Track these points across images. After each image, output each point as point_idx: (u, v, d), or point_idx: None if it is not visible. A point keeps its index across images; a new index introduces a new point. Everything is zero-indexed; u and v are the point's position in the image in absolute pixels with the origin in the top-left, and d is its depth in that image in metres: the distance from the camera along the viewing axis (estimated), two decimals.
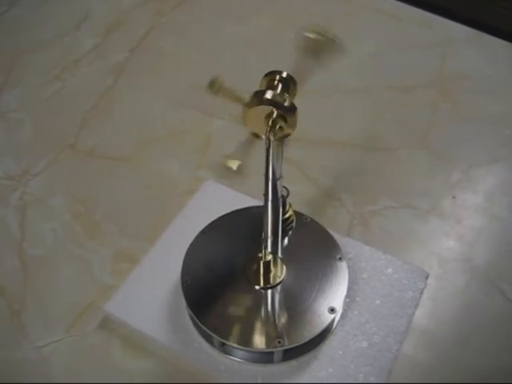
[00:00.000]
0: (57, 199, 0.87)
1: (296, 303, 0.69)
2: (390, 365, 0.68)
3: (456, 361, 0.71)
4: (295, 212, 0.76)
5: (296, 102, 0.56)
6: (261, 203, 0.65)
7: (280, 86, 0.58)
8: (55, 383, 0.70)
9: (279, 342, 0.66)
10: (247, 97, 0.56)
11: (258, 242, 0.69)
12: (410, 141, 0.94)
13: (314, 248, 0.74)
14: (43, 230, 0.84)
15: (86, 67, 1.08)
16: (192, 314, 0.69)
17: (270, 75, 0.59)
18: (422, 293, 0.74)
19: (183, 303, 0.71)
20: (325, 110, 0.98)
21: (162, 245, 0.79)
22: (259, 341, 0.67)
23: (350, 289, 0.71)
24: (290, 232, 0.76)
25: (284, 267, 0.72)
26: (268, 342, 0.66)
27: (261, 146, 0.59)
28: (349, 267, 0.72)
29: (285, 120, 0.57)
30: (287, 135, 0.59)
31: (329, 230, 0.76)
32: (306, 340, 0.67)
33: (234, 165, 0.56)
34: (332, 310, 0.68)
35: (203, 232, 0.76)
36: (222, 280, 0.72)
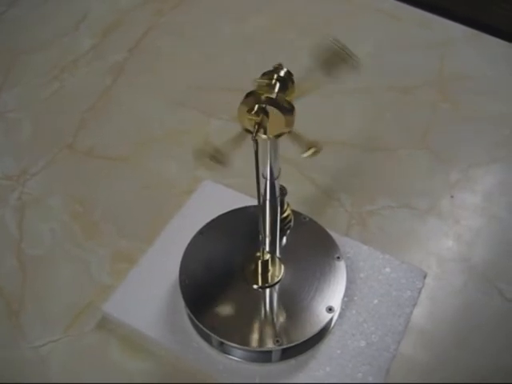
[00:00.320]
0: (55, 199, 0.87)
1: (294, 302, 0.69)
2: (387, 364, 0.68)
3: (454, 360, 0.71)
4: (293, 211, 0.76)
5: (295, 101, 0.56)
6: None
7: (278, 85, 0.58)
8: (53, 383, 0.70)
9: (277, 341, 0.66)
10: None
11: (256, 241, 0.69)
12: (409, 141, 0.93)
13: (313, 247, 0.74)
14: (41, 230, 0.84)
15: (85, 67, 1.08)
16: (190, 313, 0.69)
17: (268, 74, 0.59)
18: (420, 292, 0.74)
19: (181, 303, 0.71)
20: (325, 109, 0.98)
21: (160, 245, 0.79)
22: (258, 340, 0.66)
23: (348, 288, 0.71)
24: (288, 231, 0.76)
25: (282, 266, 0.72)
26: (266, 342, 0.66)
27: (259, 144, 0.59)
28: (347, 267, 0.72)
29: (282, 119, 0.56)
30: (284, 134, 0.58)
31: (327, 230, 0.76)
32: (304, 339, 0.67)
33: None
34: (330, 310, 0.68)
35: (201, 232, 0.76)
36: (220, 279, 0.72)
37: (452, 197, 0.86)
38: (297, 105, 0.56)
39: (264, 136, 0.57)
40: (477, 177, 0.88)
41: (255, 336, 0.67)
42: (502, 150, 0.92)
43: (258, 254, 0.69)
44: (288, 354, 0.68)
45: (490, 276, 0.77)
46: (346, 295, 0.71)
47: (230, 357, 0.69)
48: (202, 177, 0.87)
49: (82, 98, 1.02)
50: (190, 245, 0.75)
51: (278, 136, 0.58)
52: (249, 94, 0.56)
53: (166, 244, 0.79)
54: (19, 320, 0.75)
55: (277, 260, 0.72)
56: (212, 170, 0.60)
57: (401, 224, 0.83)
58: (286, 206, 0.74)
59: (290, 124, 0.57)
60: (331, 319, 0.69)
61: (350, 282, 0.73)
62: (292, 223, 0.76)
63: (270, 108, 0.55)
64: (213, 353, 0.69)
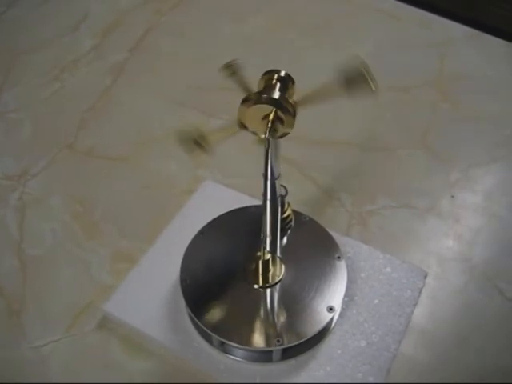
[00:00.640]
0: (56, 199, 0.87)
1: (295, 302, 0.69)
2: (388, 364, 0.68)
3: (455, 360, 0.71)
4: (294, 211, 0.76)
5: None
6: (259, 202, 0.65)
7: (278, 85, 0.58)
8: (54, 383, 0.70)
9: (278, 341, 0.66)
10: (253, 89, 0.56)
11: (256, 241, 0.69)
12: (409, 141, 0.94)
13: (313, 247, 0.74)
14: (42, 230, 0.84)
15: (85, 67, 1.08)
16: (191, 313, 0.69)
17: (268, 74, 0.59)
18: (420, 292, 0.74)
19: (182, 303, 0.71)
20: (324, 109, 0.97)
21: (161, 244, 0.79)
22: (258, 340, 0.66)
23: (348, 288, 0.71)
24: (289, 231, 0.76)
25: (283, 266, 0.72)
26: (267, 341, 0.66)
27: (259, 146, 0.59)
28: (347, 266, 0.72)
29: (283, 119, 0.57)
30: (286, 134, 0.59)
31: (328, 230, 0.76)
32: (305, 339, 0.67)
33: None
34: (331, 309, 0.68)
35: (202, 231, 0.76)
36: (220, 279, 0.72)
37: (452, 196, 0.86)
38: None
39: (263, 136, 0.57)
40: (477, 176, 0.88)
41: (256, 336, 0.67)
42: (502, 149, 0.92)
43: (259, 254, 0.69)
44: (288, 353, 0.68)
45: (490, 275, 0.77)
46: (346, 295, 0.71)
47: (231, 356, 0.69)
48: (202, 177, 0.87)
49: (82, 97, 1.02)
50: (190, 245, 0.75)
51: (280, 137, 0.59)
52: (250, 94, 0.57)
53: (167, 244, 0.79)
54: (20, 320, 0.75)
55: (277, 260, 0.72)
56: (192, 154, 0.59)
57: (401, 224, 0.83)
58: (286, 206, 0.74)
59: (290, 125, 0.57)
60: (332, 319, 0.69)
61: (351, 281, 0.73)
62: (293, 223, 0.76)
63: (271, 108, 0.55)
64: (213, 352, 0.69)
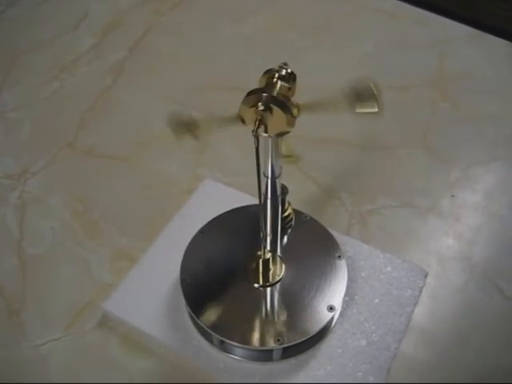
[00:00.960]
0: (55, 198, 0.87)
1: (295, 301, 0.69)
2: (388, 363, 0.68)
3: (455, 359, 0.71)
4: (294, 210, 0.76)
5: (296, 100, 0.56)
6: None
7: (279, 83, 0.58)
8: (54, 382, 0.70)
9: (278, 340, 0.66)
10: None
11: (257, 240, 0.69)
12: (409, 140, 0.94)
13: (313, 246, 0.74)
14: (42, 229, 0.84)
15: (85, 67, 1.08)
16: (191, 312, 0.69)
17: (269, 73, 0.59)
18: (421, 291, 0.74)
19: (182, 301, 0.71)
20: (325, 113, 0.98)
21: (161, 243, 0.79)
22: (258, 339, 0.66)
23: (348, 287, 0.71)
24: (289, 230, 0.76)
25: (283, 265, 0.72)
26: (267, 340, 0.66)
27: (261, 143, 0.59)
28: (348, 266, 0.72)
29: (284, 118, 0.56)
30: (286, 133, 0.59)
31: (328, 229, 0.76)
32: (305, 338, 0.67)
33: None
34: (331, 309, 0.68)
35: (202, 231, 0.76)
36: (221, 278, 0.72)
37: (452, 196, 0.86)
38: None
39: (265, 134, 0.57)
40: (477, 176, 0.88)
41: (256, 335, 0.67)
42: (502, 148, 0.92)
43: (259, 253, 0.69)
44: (289, 352, 0.68)
45: (490, 274, 0.77)
46: (346, 294, 0.71)
47: (231, 355, 0.69)
48: (203, 176, 0.87)
49: (82, 97, 1.02)
50: (190, 244, 0.75)
51: (280, 135, 0.58)
52: (251, 92, 0.56)
53: (167, 243, 0.79)
54: (20, 319, 0.75)
55: (278, 259, 0.72)
56: (181, 139, 0.59)
57: (401, 223, 0.83)
58: (287, 205, 0.74)
59: (291, 123, 0.57)
60: (332, 318, 0.69)
61: (351, 280, 0.73)
62: (293, 222, 0.76)
63: (271, 106, 0.55)
64: (213, 351, 0.69)
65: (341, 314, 0.72)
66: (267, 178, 0.62)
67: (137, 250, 0.79)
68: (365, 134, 0.95)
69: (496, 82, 1.03)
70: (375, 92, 0.54)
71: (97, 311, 0.75)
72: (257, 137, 0.56)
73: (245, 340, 0.66)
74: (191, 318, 0.71)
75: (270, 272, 0.71)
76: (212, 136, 0.94)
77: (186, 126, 0.60)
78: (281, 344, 0.66)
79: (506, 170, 0.89)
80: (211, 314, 0.68)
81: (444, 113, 0.98)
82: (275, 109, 0.55)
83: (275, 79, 0.58)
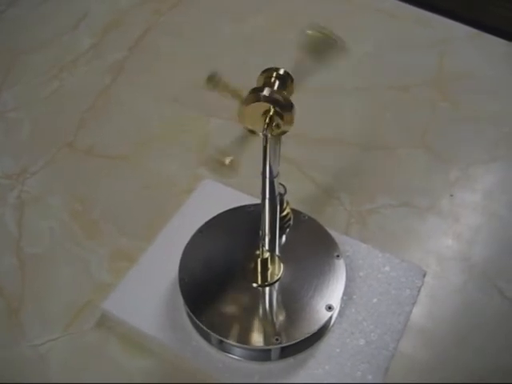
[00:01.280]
0: (55, 198, 0.87)
1: (293, 301, 0.69)
2: (387, 363, 0.68)
3: (454, 359, 0.71)
4: (293, 210, 0.76)
5: (295, 100, 0.56)
6: (259, 201, 0.65)
7: (277, 82, 0.58)
8: (53, 382, 0.70)
9: (277, 340, 0.66)
10: (245, 92, 0.56)
11: (255, 239, 0.69)
12: (409, 140, 0.94)
13: (312, 246, 0.74)
14: (41, 229, 0.84)
15: (85, 66, 1.08)
16: (190, 311, 0.69)
17: (267, 72, 0.59)
18: (419, 291, 0.74)
19: (181, 301, 0.71)
20: (324, 108, 0.98)
21: (160, 243, 0.79)
22: (257, 338, 0.67)
23: (347, 287, 0.71)
24: (288, 230, 0.76)
25: (281, 265, 0.72)
26: (266, 340, 0.66)
27: (258, 143, 0.59)
28: (346, 265, 0.72)
29: (282, 117, 0.56)
30: (284, 132, 0.59)
31: (326, 228, 0.76)
32: (304, 337, 0.67)
33: (226, 160, 0.57)
34: (329, 308, 0.68)
35: (201, 230, 0.76)
36: (219, 278, 0.72)
37: (452, 195, 0.86)
38: (297, 104, 0.56)
39: (261, 134, 0.57)
40: (476, 175, 0.88)
41: (254, 334, 0.67)
42: (502, 148, 0.92)
43: (258, 253, 0.69)
44: (287, 352, 0.68)
45: (489, 274, 0.77)
46: (345, 294, 0.71)
47: (229, 355, 0.69)
48: (202, 175, 0.87)
49: (82, 97, 1.02)
50: (189, 243, 0.75)
51: (278, 135, 0.58)
52: (250, 93, 0.57)
53: (166, 242, 0.79)
54: (19, 318, 0.75)
55: (276, 258, 0.72)
56: (224, 176, 0.60)
57: (400, 222, 0.83)
58: (285, 205, 0.74)
59: (289, 122, 0.57)
60: (330, 318, 0.69)
61: (350, 280, 0.73)
62: (291, 222, 0.76)
63: (270, 105, 0.55)
64: (212, 351, 0.69)
65: (339, 314, 0.71)
66: (265, 177, 0.62)
67: (136, 250, 0.79)
68: (364, 133, 0.95)
69: (496, 81, 1.03)
70: (326, 36, 0.54)
71: (96, 311, 0.75)
72: (266, 136, 0.56)
73: (243, 340, 0.66)
74: (190, 317, 0.71)
75: (269, 271, 0.71)
76: (212, 136, 0.94)
77: (219, 163, 0.60)
78: (279, 343, 0.66)
79: (505, 170, 0.89)
80: (210, 314, 0.68)
81: (444, 113, 0.98)
82: (275, 108, 0.56)
83: (273, 78, 0.58)
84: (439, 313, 0.74)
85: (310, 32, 0.55)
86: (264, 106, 0.56)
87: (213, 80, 0.57)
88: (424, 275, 0.75)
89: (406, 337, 0.71)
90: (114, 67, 1.07)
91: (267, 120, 0.56)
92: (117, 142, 0.95)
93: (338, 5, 1.18)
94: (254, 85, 0.59)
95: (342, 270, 0.72)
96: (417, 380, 0.69)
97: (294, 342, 0.66)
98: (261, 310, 0.69)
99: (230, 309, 0.69)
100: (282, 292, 0.70)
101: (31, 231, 0.84)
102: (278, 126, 0.57)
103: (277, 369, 0.68)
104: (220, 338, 0.67)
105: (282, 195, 0.70)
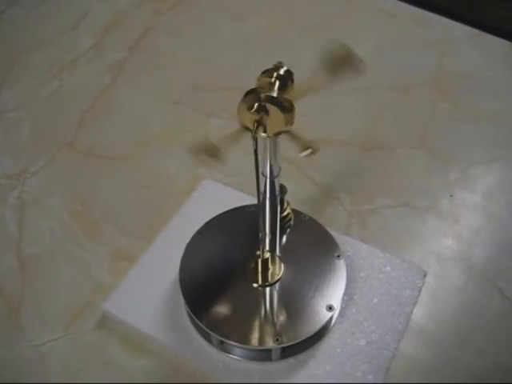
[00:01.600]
0: (55, 198, 0.87)
1: (294, 301, 0.69)
2: (387, 363, 0.68)
3: (454, 359, 0.71)
4: (293, 210, 0.76)
5: (296, 101, 0.56)
6: None
7: (277, 83, 0.58)
8: (53, 382, 0.70)
9: (277, 340, 0.66)
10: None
11: (256, 240, 0.69)
12: (408, 140, 0.93)
13: (312, 246, 0.74)
14: (41, 229, 0.84)
15: (84, 66, 1.08)
16: (190, 312, 0.69)
17: (267, 73, 0.59)
18: (420, 291, 0.74)
19: (181, 301, 0.71)
20: (324, 108, 0.98)
21: (160, 243, 0.79)
22: (257, 339, 0.66)
23: (348, 287, 0.71)
24: (288, 230, 0.76)
25: (282, 265, 0.72)
26: (266, 340, 0.66)
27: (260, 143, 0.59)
28: (347, 265, 0.72)
29: (282, 117, 0.56)
30: (285, 132, 0.58)
31: (327, 229, 0.76)
32: (304, 338, 0.67)
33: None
34: (330, 308, 0.68)
35: (201, 230, 0.76)
36: (220, 278, 0.72)
37: (452, 196, 0.86)
38: (297, 104, 0.56)
39: (263, 134, 0.57)
40: (476, 176, 0.88)
41: (255, 335, 0.67)
42: (502, 149, 0.92)
43: (258, 253, 0.69)
44: (288, 352, 0.68)
45: (490, 275, 0.77)
46: (345, 294, 0.71)
47: (230, 355, 0.69)
48: (202, 176, 0.87)
49: (82, 97, 1.02)
50: (189, 243, 0.75)
51: (278, 134, 0.58)
52: (248, 92, 0.56)
53: (166, 243, 0.79)
54: (19, 319, 0.75)
55: (277, 259, 0.72)
56: (209, 165, 0.60)
57: (400, 223, 0.83)
58: (285, 205, 0.74)
59: (289, 122, 0.57)
60: (331, 318, 0.69)
61: (350, 280, 0.73)
62: (292, 222, 0.76)
63: (269, 106, 0.55)
64: (212, 351, 0.69)
65: (340, 314, 0.71)
66: (266, 177, 0.62)
67: (136, 250, 0.79)
68: (364, 133, 0.95)
69: (496, 81, 1.03)
70: (349, 56, 0.54)
71: (96, 311, 0.75)
72: (255, 139, 0.56)
73: (244, 340, 0.66)
74: (190, 317, 0.71)
75: (269, 272, 0.71)
76: (212, 137, 0.94)
77: (207, 152, 0.60)
78: (280, 344, 0.66)
79: (505, 171, 0.89)
80: (210, 314, 0.68)
81: (444, 113, 0.98)
82: (273, 109, 0.55)
83: (273, 79, 0.58)
84: (440, 313, 0.74)
85: (333, 48, 0.54)
86: (263, 106, 0.56)
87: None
88: (425, 275, 0.75)
89: (407, 337, 0.71)
90: (114, 67, 1.07)
91: (255, 124, 0.55)
92: (117, 142, 0.95)
93: (338, 5, 1.18)
94: (254, 85, 0.59)
95: (342, 270, 0.72)
96: (417, 380, 0.69)
97: (294, 342, 0.66)
98: (261, 311, 0.69)
99: (230, 309, 0.69)
100: (282, 292, 0.70)
101: (31, 231, 0.84)
102: (278, 126, 0.57)
103: (277, 369, 0.68)
104: (220, 338, 0.67)
105: (282, 195, 0.70)
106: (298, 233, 0.76)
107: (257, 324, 0.68)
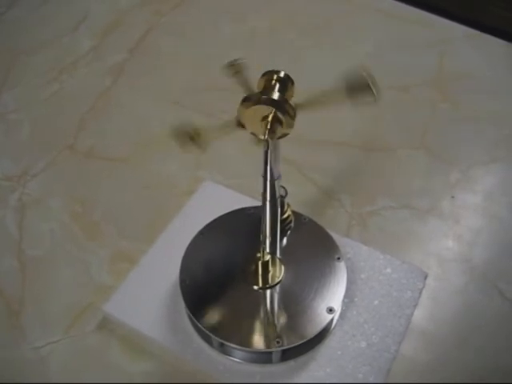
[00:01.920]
0: (55, 200, 0.87)
1: (294, 303, 0.69)
2: (388, 365, 0.68)
3: (455, 361, 0.71)
4: (294, 212, 0.76)
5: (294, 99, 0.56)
6: (259, 203, 0.65)
7: (277, 85, 0.58)
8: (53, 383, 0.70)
9: (278, 342, 0.66)
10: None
11: (256, 242, 0.69)
12: (409, 141, 0.93)
13: (313, 248, 0.74)
14: (42, 231, 0.84)
15: (85, 68, 1.08)
16: (190, 314, 0.69)
17: (268, 75, 0.59)
18: (420, 293, 0.74)
19: (182, 303, 0.71)
20: (324, 110, 0.97)
21: (161, 245, 0.79)
22: (258, 341, 0.66)
23: (348, 289, 0.71)
24: (289, 232, 0.76)
25: (282, 267, 0.72)
26: (267, 342, 0.66)
27: (258, 146, 0.59)
28: (347, 267, 0.72)
29: (282, 121, 0.56)
30: (285, 135, 0.59)
31: (327, 230, 0.76)
32: (305, 340, 0.66)
33: None
34: (330, 310, 0.68)
35: (201, 232, 0.76)
36: (220, 280, 0.72)
37: (452, 197, 0.86)
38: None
39: (262, 137, 0.57)
40: (477, 177, 0.88)
41: (255, 337, 0.67)
42: (502, 149, 0.92)
43: (259, 255, 0.69)
44: (288, 354, 0.68)
45: (490, 276, 0.77)
46: (346, 296, 0.71)
47: (230, 358, 0.69)
48: (202, 177, 0.87)
49: (82, 98, 1.02)
50: (190, 245, 0.74)
51: (279, 137, 0.58)
52: (249, 95, 0.57)
53: (167, 244, 0.79)
54: (19, 320, 0.75)
55: (277, 261, 0.72)
56: (187, 150, 0.60)
57: (401, 224, 0.83)
58: (286, 207, 0.74)
59: (290, 125, 0.57)
60: (332, 320, 0.69)
61: (351, 282, 0.73)
62: (292, 224, 0.76)
63: (277, 112, 0.55)
64: (213, 353, 0.69)
65: (340, 316, 0.71)
66: (266, 179, 0.62)
67: (137, 252, 0.79)
68: (364, 134, 0.95)
69: (496, 82, 1.03)
70: (369, 81, 0.54)
71: (97, 313, 0.75)
72: (266, 140, 0.56)
73: (244, 342, 0.66)
74: (191, 320, 0.71)
75: (270, 274, 0.71)
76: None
77: (189, 136, 0.60)
78: (280, 346, 0.66)
79: (506, 171, 0.89)
80: (211, 316, 0.68)
81: (444, 113, 0.98)
82: (276, 112, 0.56)
83: (274, 81, 0.58)
84: (440, 314, 0.74)
85: (357, 73, 0.54)
86: (265, 109, 0.56)
87: (234, 66, 0.57)
88: (425, 277, 0.75)
89: (408, 339, 0.71)
90: (115, 69, 1.07)
91: (268, 125, 0.55)
92: (117, 143, 0.95)
93: (338, 5, 1.18)
94: (254, 85, 0.59)
95: (343, 272, 0.72)
96: (418, 381, 0.69)
97: (295, 344, 0.66)
98: (262, 313, 0.69)
99: (230, 311, 0.69)
100: (282, 294, 0.70)
101: (32, 233, 0.84)
102: (279, 128, 0.57)
103: (278, 371, 0.68)
104: (221, 340, 0.67)
105: (283, 197, 0.70)
106: (298, 235, 0.76)
107: (257, 326, 0.68)
